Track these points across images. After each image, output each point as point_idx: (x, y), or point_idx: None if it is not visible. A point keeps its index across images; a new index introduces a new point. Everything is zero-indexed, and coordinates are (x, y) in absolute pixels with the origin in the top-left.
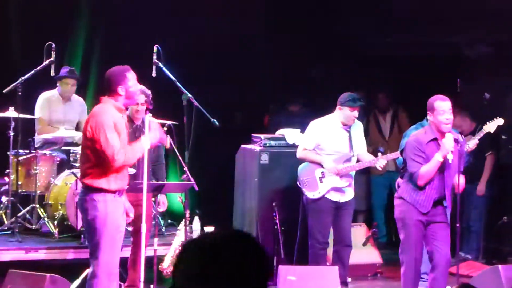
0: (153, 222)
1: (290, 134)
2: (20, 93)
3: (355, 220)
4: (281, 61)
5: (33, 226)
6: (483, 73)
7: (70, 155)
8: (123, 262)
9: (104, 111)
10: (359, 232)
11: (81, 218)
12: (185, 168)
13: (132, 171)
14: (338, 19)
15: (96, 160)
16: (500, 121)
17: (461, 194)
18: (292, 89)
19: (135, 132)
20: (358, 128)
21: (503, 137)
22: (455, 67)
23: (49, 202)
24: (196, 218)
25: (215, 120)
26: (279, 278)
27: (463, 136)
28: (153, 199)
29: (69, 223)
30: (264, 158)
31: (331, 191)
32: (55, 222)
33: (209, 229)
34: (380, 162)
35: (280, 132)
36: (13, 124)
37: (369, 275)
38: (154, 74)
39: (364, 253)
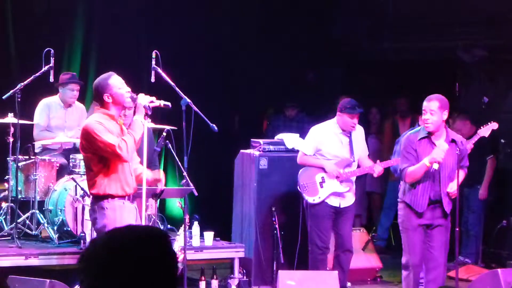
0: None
1: (289, 139)
2: (19, 99)
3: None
4: (279, 65)
5: (33, 232)
6: (481, 77)
7: (70, 160)
8: None
9: (89, 120)
10: (358, 237)
11: (93, 229)
12: (184, 173)
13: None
14: (335, 24)
15: (96, 168)
16: (494, 125)
17: (459, 198)
18: (289, 94)
19: None
20: (359, 132)
21: (502, 141)
22: (454, 71)
23: (49, 207)
24: (196, 223)
25: (214, 125)
26: (279, 283)
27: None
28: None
29: (69, 229)
30: (263, 163)
31: (331, 196)
32: (55, 228)
33: (208, 234)
34: (376, 168)
35: (279, 137)
36: (12, 130)
37: (368, 279)
38: (153, 79)
39: (363, 257)
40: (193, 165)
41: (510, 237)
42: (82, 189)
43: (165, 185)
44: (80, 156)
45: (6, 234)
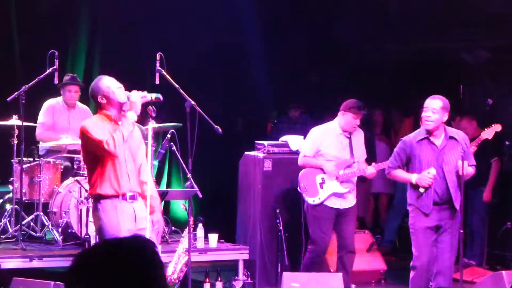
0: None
1: (293, 141)
2: (23, 101)
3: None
4: (282, 68)
5: (37, 234)
6: (484, 78)
7: (74, 162)
8: None
9: (84, 120)
10: (363, 239)
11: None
12: (189, 175)
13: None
14: (338, 26)
15: (92, 168)
16: (497, 127)
17: (464, 200)
18: (292, 96)
19: None
20: (359, 136)
21: (507, 142)
22: (457, 73)
23: (53, 210)
24: (200, 225)
25: (218, 127)
26: (283, 285)
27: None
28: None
29: (73, 231)
30: (267, 165)
31: (332, 197)
32: (59, 230)
33: (213, 236)
34: (369, 169)
35: (283, 139)
36: (16, 132)
37: (373, 281)
38: (157, 81)
39: (368, 259)
40: (198, 167)
41: None
42: (86, 191)
43: (170, 187)
44: None
45: (10, 236)
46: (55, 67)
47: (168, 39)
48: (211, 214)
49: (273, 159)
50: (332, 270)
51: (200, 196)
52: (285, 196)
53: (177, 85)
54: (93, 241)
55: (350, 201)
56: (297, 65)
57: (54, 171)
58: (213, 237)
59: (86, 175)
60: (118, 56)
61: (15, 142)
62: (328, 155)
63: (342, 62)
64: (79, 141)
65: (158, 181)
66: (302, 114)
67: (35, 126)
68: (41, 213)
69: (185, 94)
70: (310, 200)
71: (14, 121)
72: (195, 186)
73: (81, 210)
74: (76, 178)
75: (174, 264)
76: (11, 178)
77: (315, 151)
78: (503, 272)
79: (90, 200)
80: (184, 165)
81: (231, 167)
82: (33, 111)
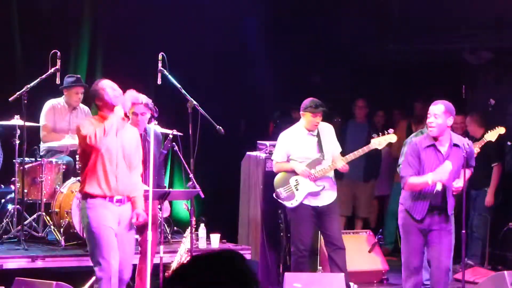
0: (159, 230)
1: None
2: (25, 101)
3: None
4: (284, 68)
5: (39, 234)
6: (487, 80)
7: (76, 163)
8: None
9: (81, 120)
10: (365, 239)
11: None
12: (191, 176)
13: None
14: (341, 27)
15: (84, 165)
16: (501, 130)
17: (466, 200)
18: (295, 96)
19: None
20: (328, 131)
21: (508, 143)
22: (459, 74)
23: (55, 210)
24: (202, 225)
25: (220, 128)
26: (285, 285)
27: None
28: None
29: (75, 231)
30: (270, 165)
31: (309, 196)
32: (61, 230)
33: (215, 236)
34: (339, 163)
35: None
36: (18, 132)
37: (375, 281)
38: (159, 81)
39: (370, 259)
40: (200, 167)
41: None
42: None
43: (172, 187)
44: None
45: (12, 236)
46: (57, 67)
47: (170, 39)
48: (213, 214)
49: None
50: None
51: (202, 196)
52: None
53: (179, 85)
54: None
55: (328, 198)
56: (299, 66)
57: (56, 171)
58: (215, 237)
59: None
60: (120, 56)
61: (17, 142)
62: (299, 157)
63: (343, 62)
64: None
65: None
66: None
67: (37, 126)
68: (43, 213)
69: (187, 94)
70: (288, 203)
71: (16, 121)
72: (197, 186)
73: None
74: (77, 178)
75: (176, 264)
76: (13, 178)
77: (286, 156)
78: (505, 272)
79: None
80: (186, 166)
81: (233, 167)
82: (35, 111)
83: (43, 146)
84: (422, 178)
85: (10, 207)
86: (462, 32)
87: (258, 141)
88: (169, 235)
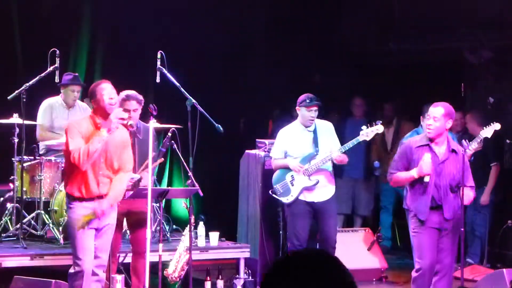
0: (158, 228)
1: None
2: (24, 100)
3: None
4: (285, 67)
5: (38, 232)
6: (487, 78)
7: None
8: (127, 268)
9: (71, 120)
10: (364, 237)
11: None
12: (190, 174)
13: (136, 176)
14: (341, 26)
15: (67, 164)
16: (496, 126)
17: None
18: (295, 95)
19: (131, 137)
20: (327, 128)
21: (507, 141)
22: (459, 72)
23: (54, 208)
24: (201, 224)
25: (219, 126)
26: None
27: (466, 141)
28: (157, 204)
29: None
30: (268, 163)
31: (304, 191)
32: (60, 228)
33: (214, 234)
34: (334, 153)
35: None
36: (17, 130)
37: (374, 279)
38: (158, 79)
39: (369, 257)
40: (199, 165)
41: None
42: None
43: (171, 185)
44: None
45: (11, 234)
46: (56, 65)
47: (169, 37)
48: (212, 213)
49: None
50: None
51: (201, 194)
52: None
53: (178, 84)
54: None
55: (325, 194)
56: (299, 64)
57: (55, 170)
58: (214, 236)
59: None
60: (120, 55)
61: (16, 140)
62: (295, 153)
63: (344, 61)
64: None
65: (159, 180)
66: None
67: (36, 125)
68: (42, 212)
69: (186, 93)
70: (284, 199)
71: (15, 119)
72: (196, 184)
73: None
74: None
75: (175, 263)
76: (12, 177)
77: (283, 152)
78: (504, 270)
79: None
80: (185, 164)
81: (232, 165)
82: (34, 110)
83: (42, 144)
84: (407, 173)
85: (9, 205)
86: (462, 31)
87: (257, 140)
88: (168, 233)
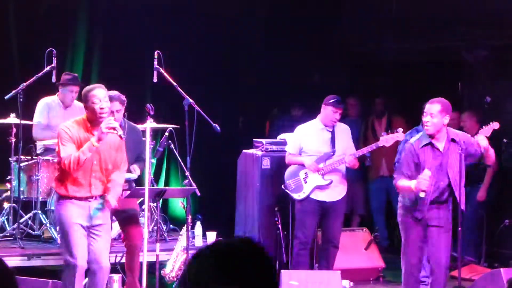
0: (155, 227)
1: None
2: (21, 100)
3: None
4: (283, 66)
5: (35, 232)
6: (483, 77)
7: None
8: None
9: (64, 123)
10: (361, 236)
11: None
12: (187, 173)
13: (133, 176)
14: (339, 25)
15: (59, 169)
16: (495, 125)
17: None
18: (293, 94)
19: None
20: (344, 130)
21: (504, 140)
22: (456, 71)
23: (51, 208)
24: (198, 223)
25: (216, 125)
26: (281, 283)
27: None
28: (154, 204)
29: None
30: (266, 162)
31: (316, 190)
32: (57, 228)
33: (211, 234)
34: (347, 157)
35: (281, 136)
36: (14, 130)
37: (371, 279)
38: (155, 79)
39: (366, 257)
40: (196, 165)
41: None
42: None
43: (168, 185)
44: None
45: (8, 234)
46: (53, 65)
47: (167, 37)
48: (210, 212)
49: (272, 157)
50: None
51: (198, 194)
52: (283, 194)
53: (175, 83)
54: None
55: (336, 194)
56: (297, 64)
57: (52, 169)
58: (212, 235)
59: None
60: (116, 54)
61: (13, 140)
62: (310, 150)
63: (342, 61)
64: None
65: (156, 179)
66: (304, 113)
67: (33, 124)
68: (39, 211)
69: (183, 92)
70: (296, 195)
71: (12, 119)
72: (193, 184)
73: None
74: None
75: (173, 262)
76: (9, 177)
77: (299, 148)
78: (501, 269)
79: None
80: (182, 163)
81: (229, 165)
82: (31, 110)
83: (39, 144)
84: (407, 183)
85: (6, 205)
86: (459, 30)
87: (254, 139)
88: (165, 233)
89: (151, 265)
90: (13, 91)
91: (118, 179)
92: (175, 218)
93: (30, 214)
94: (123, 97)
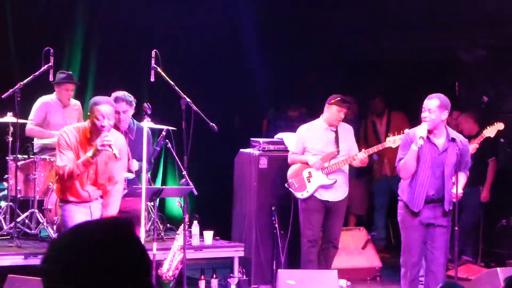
0: (152, 227)
1: (288, 138)
2: (18, 99)
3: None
4: (279, 67)
5: (32, 231)
6: (481, 77)
7: None
8: None
9: (64, 129)
10: (358, 236)
11: None
12: (184, 173)
13: (131, 176)
14: (335, 24)
15: (58, 174)
16: (500, 125)
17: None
18: (291, 94)
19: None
20: (348, 131)
21: (501, 140)
22: (453, 71)
23: (48, 207)
24: (195, 223)
25: (213, 125)
26: (278, 282)
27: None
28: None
29: None
30: (263, 162)
31: (320, 189)
32: (54, 227)
33: (208, 233)
34: (359, 154)
35: (278, 136)
36: (11, 129)
37: (368, 278)
38: (152, 79)
39: (363, 256)
40: (193, 164)
41: (510, 236)
42: None
43: (165, 184)
44: None
45: (5, 233)
46: (50, 64)
47: (164, 36)
48: (207, 212)
49: (269, 156)
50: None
51: (195, 193)
52: (280, 194)
53: (172, 83)
54: None
55: (339, 194)
56: (294, 63)
57: (49, 168)
58: (208, 234)
59: None
60: (114, 54)
61: (10, 139)
62: (314, 150)
63: (339, 60)
64: None
65: (153, 179)
66: (301, 113)
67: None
68: (36, 210)
69: (180, 92)
70: (299, 194)
71: (9, 118)
72: (190, 183)
73: None
74: None
75: (169, 262)
76: (6, 175)
77: (302, 148)
78: (498, 269)
79: None
80: (179, 162)
81: (226, 164)
82: (28, 109)
83: (36, 143)
84: (409, 153)
85: (3, 204)
86: (456, 30)
87: (251, 138)
88: (162, 232)
89: None
90: (10, 90)
91: (117, 192)
92: (172, 217)
93: (27, 213)
94: (131, 98)
